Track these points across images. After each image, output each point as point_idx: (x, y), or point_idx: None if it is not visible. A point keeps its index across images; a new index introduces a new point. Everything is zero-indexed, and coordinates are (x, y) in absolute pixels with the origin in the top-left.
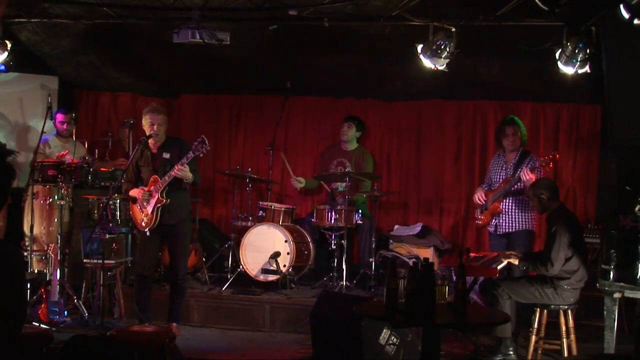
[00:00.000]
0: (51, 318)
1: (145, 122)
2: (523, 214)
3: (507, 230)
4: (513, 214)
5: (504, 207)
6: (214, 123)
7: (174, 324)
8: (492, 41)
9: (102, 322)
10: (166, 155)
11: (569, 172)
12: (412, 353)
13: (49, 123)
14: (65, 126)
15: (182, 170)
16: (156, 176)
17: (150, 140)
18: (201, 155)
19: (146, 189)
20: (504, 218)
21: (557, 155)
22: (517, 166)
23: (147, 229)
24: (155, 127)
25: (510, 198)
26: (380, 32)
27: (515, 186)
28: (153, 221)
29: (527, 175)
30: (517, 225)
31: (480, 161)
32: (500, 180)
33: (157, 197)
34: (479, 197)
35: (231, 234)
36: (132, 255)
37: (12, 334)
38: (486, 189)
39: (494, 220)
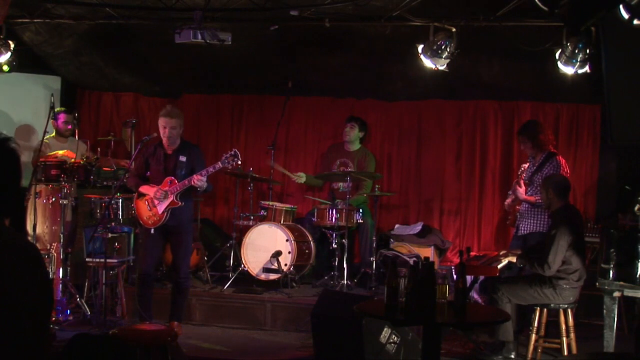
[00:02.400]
0: (54, 316)
1: (159, 124)
2: (538, 216)
3: (525, 232)
4: (530, 216)
5: (522, 209)
6: (215, 123)
7: (176, 323)
8: (493, 41)
9: (105, 320)
10: (182, 159)
11: (568, 172)
12: (412, 352)
13: (51, 123)
14: (69, 126)
15: (201, 181)
16: (173, 178)
17: (164, 142)
18: (229, 168)
19: (162, 188)
20: (523, 220)
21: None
22: (539, 168)
23: (152, 228)
24: (167, 130)
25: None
26: (381, 33)
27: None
28: (162, 221)
29: (517, 191)
30: (532, 227)
31: (480, 161)
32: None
33: (172, 198)
34: (507, 202)
35: (233, 233)
36: (134, 254)
37: (41, 332)
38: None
39: (516, 222)
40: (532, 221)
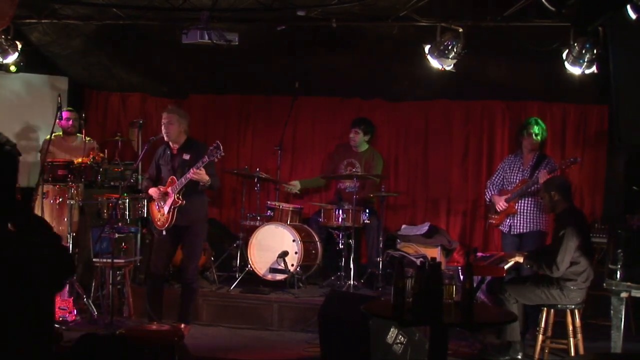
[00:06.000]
0: (61, 317)
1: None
2: (537, 215)
3: (521, 230)
4: (527, 214)
5: (518, 207)
6: (222, 123)
7: (182, 325)
8: (500, 42)
9: (112, 320)
10: (186, 157)
11: (576, 172)
12: (419, 352)
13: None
14: (70, 122)
15: (197, 174)
16: (173, 177)
17: (170, 142)
18: (215, 160)
19: (163, 189)
20: (518, 218)
21: (579, 158)
22: (535, 168)
23: (163, 229)
24: (164, 125)
25: (525, 199)
26: (388, 33)
27: (532, 188)
28: (169, 221)
29: (545, 178)
30: (530, 226)
31: (487, 161)
32: (517, 181)
33: (173, 197)
34: (502, 205)
35: (239, 233)
36: (141, 254)
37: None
38: (496, 192)
39: (508, 220)
40: (532, 219)
